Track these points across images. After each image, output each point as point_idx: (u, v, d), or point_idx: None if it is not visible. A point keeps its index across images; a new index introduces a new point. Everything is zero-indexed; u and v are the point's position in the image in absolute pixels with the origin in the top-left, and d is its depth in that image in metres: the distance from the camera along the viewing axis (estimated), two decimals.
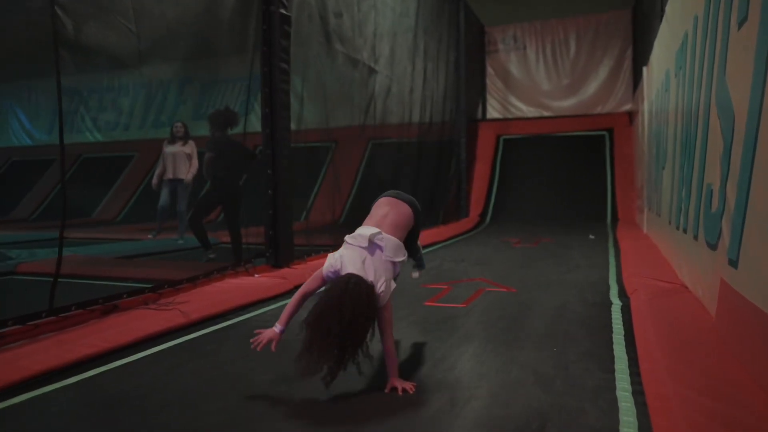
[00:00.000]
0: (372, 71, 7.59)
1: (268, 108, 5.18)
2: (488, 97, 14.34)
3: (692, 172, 3.97)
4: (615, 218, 11.24)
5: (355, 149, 12.21)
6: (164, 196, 7.40)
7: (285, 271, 5.19)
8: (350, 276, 2.24)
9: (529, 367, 2.74)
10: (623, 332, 3.37)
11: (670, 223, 5.30)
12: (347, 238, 2.43)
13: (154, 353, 3.06)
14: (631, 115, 12.61)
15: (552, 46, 13.87)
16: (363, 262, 2.31)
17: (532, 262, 6.43)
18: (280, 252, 5.28)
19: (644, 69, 8.91)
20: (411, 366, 2.83)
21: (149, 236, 7.56)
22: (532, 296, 4.56)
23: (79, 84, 18.65)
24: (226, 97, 17.65)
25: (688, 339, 2.89)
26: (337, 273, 2.32)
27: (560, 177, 12.39)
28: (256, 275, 4.95)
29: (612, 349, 3.03)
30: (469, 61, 12.69)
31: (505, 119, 14.11)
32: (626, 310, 3.89)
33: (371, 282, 2.26)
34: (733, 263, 2.67)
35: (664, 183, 5.86)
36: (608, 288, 4.82)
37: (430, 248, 8.02)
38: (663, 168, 6.04)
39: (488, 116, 14.29)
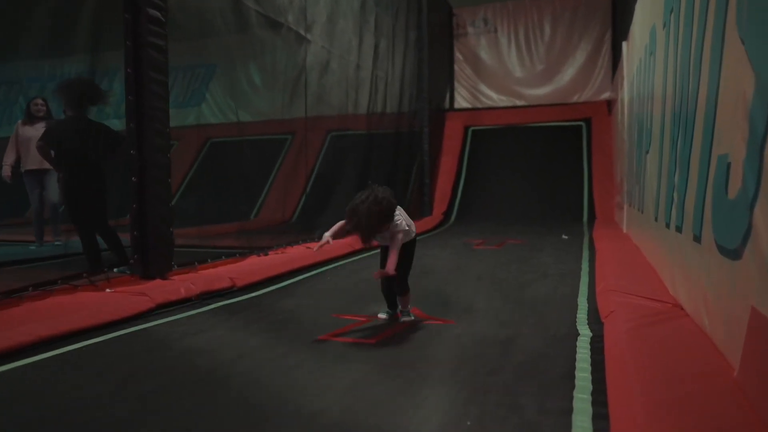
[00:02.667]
0: (302, 39, 6.35)
1: (131, 68, 3.91)
2: (456, 84, 13.16)
3: (691, 144, 2.78)
4: (592, 216, 10.13)
5: (312, 141, 11.05)
6: (35, 197, 6.04)
7: (155, 283, 3.92)
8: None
9: None
10: (590, 388, 2.16)
11: (656, 219, 4.14)
12: None
13: None
14: (610, 104, 11.52)
15: (525, 30, 12.72)
16: None
17: (489, 271, 5.23)
18: (150, 258, 4.01)
19: (624, 45, 7.78)
20: None
21: (32, 247, 6.21)
22: (471, 327, 3.34)
23: (19, 71, 17.15)
24: (179, 85, 16.37)
25: (694, 416, 1.69)
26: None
27: (533, 171, 11.28)
28: (108, 290, 3.68)
29: (570, 424, 1.83)
30: (434, 44, 11.51)
31: (475, 109, 12.94)
32: (598, 347, 2.69)
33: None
34: None
35: (649, 170, 4.70)
36: (577, 308, 3.63)
37: (376, 251, 6.80)
38: (647, 152, 4.88)
39: (456, 106, 13.11)
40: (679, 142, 3.15)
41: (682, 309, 2.99)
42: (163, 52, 4.05)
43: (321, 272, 5.24)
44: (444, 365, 2.53)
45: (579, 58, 12.33)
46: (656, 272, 4.12)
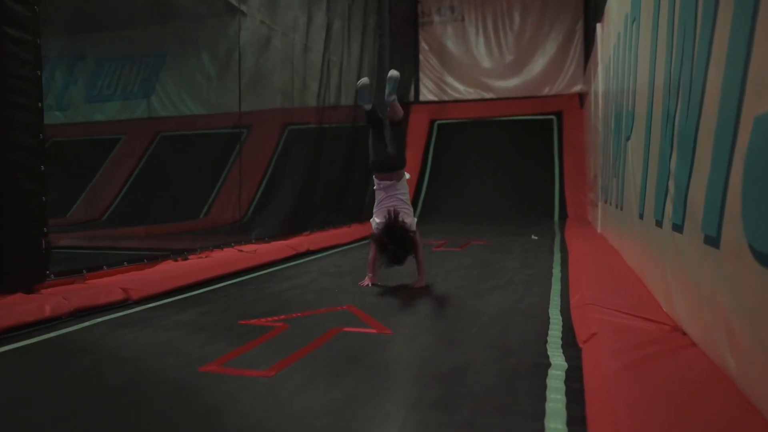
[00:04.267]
0: (234, 10, 5.50)
1: None
2: (421, 75, 12.41)
3: (699, 113, 2.06)
4: (564, 214, 9.50)
5: (269, 135, 10.31)
6: None
7: (12, 300, 3.05)
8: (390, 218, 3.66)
9: None
10: None
11: (641, 216, 3.43)
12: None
13: None
14: (582, 97, 10.93)
15: (494, 18, 12.05)
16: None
17: (445, 277, 4.48)
18: (7, 267, 3.13)
19: (598, 27, 7.14)
20: None
21: None
22: (411, 346, 2.58)
23: None
24: (125, 76, 15.33)
25: None
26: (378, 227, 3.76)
27: (502, 167, 10.63)
28: None
29: None
30: (397, 32, 10.77)
31: (441, 102, 12.22)
32: (575, 389, 1.94)
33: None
34: None
35: (631, 159, 4.01)
36: (548, 324, 2.89)
37: (326, 253, 6.02)
38: (628, 139, 4.19)
39: (421, 98, 12.37)
40: (678, 116, 2.43)
41: (684, 334, 2.26)
42: (27, 4, 3.17)
43: (248, 279, 4.41)
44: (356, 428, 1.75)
45: (549, 48, 11.71)
46: (641, 281, 3.42)
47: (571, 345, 2.49)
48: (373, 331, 2.82)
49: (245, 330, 2.85)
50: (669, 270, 2.60)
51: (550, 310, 3.19)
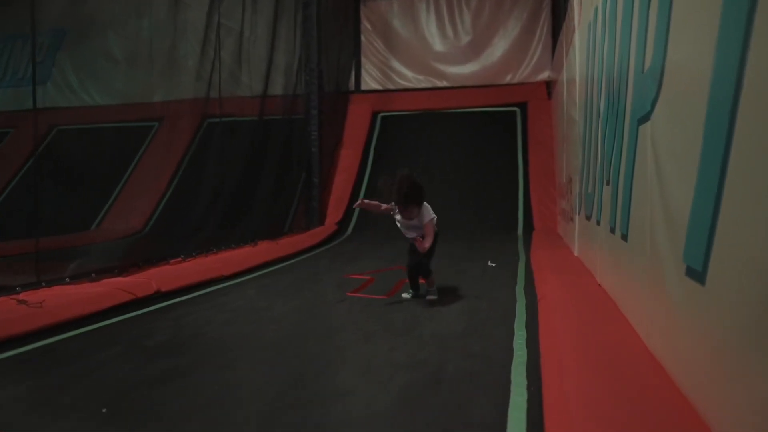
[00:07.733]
0: None
1: None
2: (363, 60, 10.63)
3: None
4: (529, 226, 7.81)
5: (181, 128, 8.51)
6: None
7: None
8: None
9: None
10: None
11: (700, 279, 1.63)
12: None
13: None
14: (549, 86, 9.29)
15: None
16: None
17: (333, 362, 2.61)
18: None
19: None
20: None
21: None
22: None
23: None
24: (15, 58, 13.27)
25: None
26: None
27: (456, 168, 8.96)
28: None
29: None
30: (333, 8, 8.97)
31: (386, 90, 10.50)
32: None
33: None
34: None
35: (653, 156, 2.21)
36: None
37: (191, 294, 4.11)
38: (643, 121, 2.40)
39: (363, 86, 10.60)
40: None
41: None
42: None
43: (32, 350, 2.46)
44: None
45: (512, 29, 10.07)
46: (690, 405, 1.61)
47: None
48: None
49: None
50: None
51: None
